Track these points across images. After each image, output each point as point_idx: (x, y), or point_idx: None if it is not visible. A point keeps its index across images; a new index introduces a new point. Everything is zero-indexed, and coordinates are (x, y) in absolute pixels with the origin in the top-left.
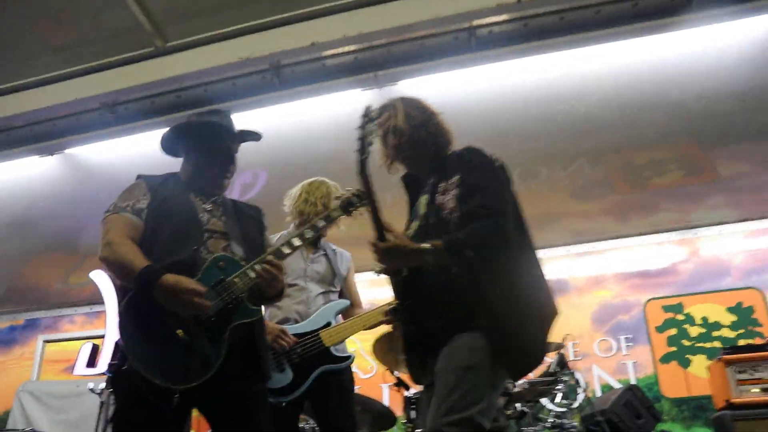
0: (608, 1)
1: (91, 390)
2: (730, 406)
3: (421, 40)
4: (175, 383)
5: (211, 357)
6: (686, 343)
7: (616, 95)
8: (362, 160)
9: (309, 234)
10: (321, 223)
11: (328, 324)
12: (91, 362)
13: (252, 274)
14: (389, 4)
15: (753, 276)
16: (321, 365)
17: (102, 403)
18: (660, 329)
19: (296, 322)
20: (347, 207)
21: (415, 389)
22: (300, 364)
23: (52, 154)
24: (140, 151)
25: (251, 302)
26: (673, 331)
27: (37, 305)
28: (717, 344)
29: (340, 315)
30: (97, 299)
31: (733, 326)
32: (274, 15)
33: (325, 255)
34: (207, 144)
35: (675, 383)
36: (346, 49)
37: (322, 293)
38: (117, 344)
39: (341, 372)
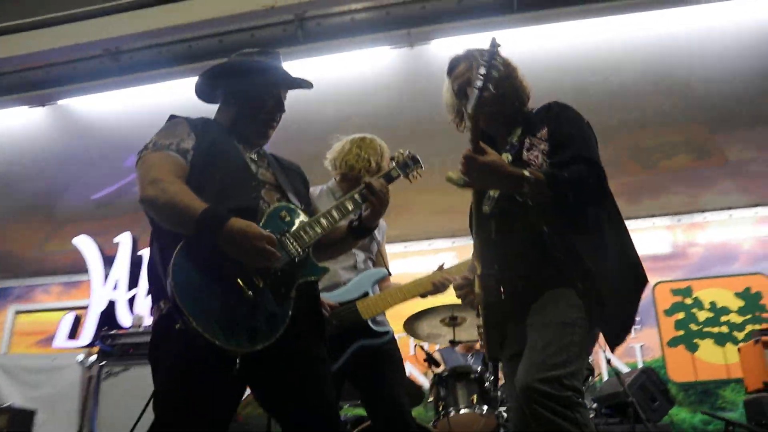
0: None
1: (80, 363)
2: None
3: None
4: (240, 346)
5: (277, 317)
6: (694, 327)
7: (628, 73)
8: (481, 95)
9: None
10: (383, 180)
11: (366, 294)
12: (73, 334)
13: (318, 229)
14: None
15: (762, 262)
16: (359, 339)
17: (91, 378)
18: (668, 312)
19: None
20: (405, 168)
21: (442, 367)
22: (335, 337)
23: (42, 105)
24: (143, 104)
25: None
26: (681, 315)
27: (9, 273)
28: (725, 329)
29: (377, 285)
30: (77, 268)
31: (740, 311)
32: None
33: None
34: (257, 87)
35: (682, 367)
36: (379, 2)
37: (365, 259)
38: (156, 298)
39: (383, 346)
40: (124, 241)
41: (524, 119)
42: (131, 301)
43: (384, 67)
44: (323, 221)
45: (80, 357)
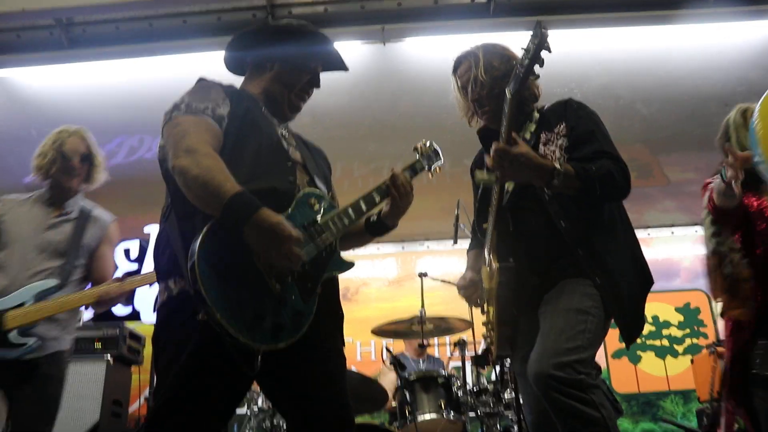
0: None
1: None
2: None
3: None
4: (264, 343)
5: (303, 313)
6: (637, 340)
7: (592, 87)
8: (523, 80)
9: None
10: (408, 174)
11: (21, 305)
12: None
13: (346, 220)
14: None
15: (700, 278)
16: None
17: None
18: (612, 325)
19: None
20: (429, 161)
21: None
22: None
23: None
24: (93, 83)
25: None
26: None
27: None
28: (665, 342)
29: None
30: None
31: (680, 326)
32: None
33: (72, 220)
34: (300, 56)
35: (625, 379)
36: None
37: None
38: (164, 275)
39: (22, 359)
40: None
41: (537, 115)
42: None
43: (354, 62)
44: (351, 212)
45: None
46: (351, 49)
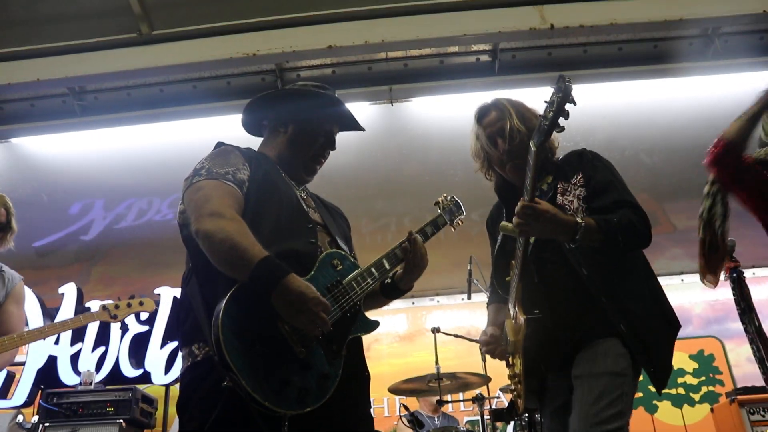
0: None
1: (20, 425)
2: None
3: (441, 58)
4: (290, 408)
5: (329, 376)
6: (653, 389)
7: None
8: (548, 132)
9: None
10: (429, 230)
11: None
12: (5, 393)
13: (370, 280)
14: (411, 17)
15: (713, 325)
16: None
17: None
18: None
19: None
20: (451, 215)
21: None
22: None
23: None
24: (103, 149)
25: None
26: (639, 377)
27: None
28: (681, 390)
29: None
30: None
31: (695, 373)
32: (283, 14)
33: None
34: (315, 118)
35: (642, 429)
36: (361, 57)
37: None
38: (187, 341)
39: None
40: (68, 291)
41: (552, 167)
42: (75, 357)
43: (363, 122)
44: (374, 271)
45: (20, 418)
46: (359, 109)
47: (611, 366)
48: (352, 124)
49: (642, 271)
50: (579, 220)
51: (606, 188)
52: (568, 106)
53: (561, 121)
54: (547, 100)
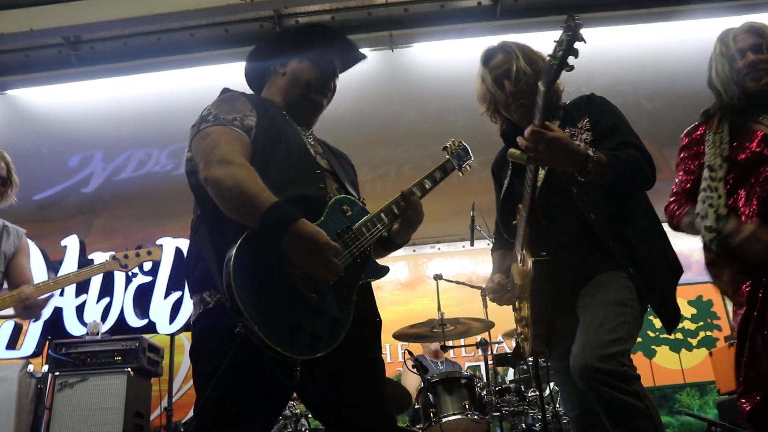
0: None
1: (30, 374)
2: None
3: (441, 2)
4: (302, 353)
5: (339, 322)
6: (651, 334)
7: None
8: (557, 72)
9: (428, 185)
10: (438, 175)
11: None
12: (13, 344)
13: (379, 225)
14: None
15: None
16: None
17: (41, 389)
18: None
19: None
20: (459, 160)
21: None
22: None
23: None
24: (101, 100)
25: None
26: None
27: None
28: (679, 336)
29: None
30: None
31: (693, 319)
32: None
33: None
34: (325, 60)
35: (641, 373)
36: (361, 2)
37: None
38: (198, 288)
39: None
40: (71, 244)
41: (559, 111)
42: (80, 308)
43: (363, 69)
44: (384, 217)
45: (30, 367)
46: None
47: (613, 296)
48: (352, 55)
49: (648, 216)
50: (591, 152)
51: (612, 131)
52: (577, 45)
53: (570, 60)
54: (556, 39)
